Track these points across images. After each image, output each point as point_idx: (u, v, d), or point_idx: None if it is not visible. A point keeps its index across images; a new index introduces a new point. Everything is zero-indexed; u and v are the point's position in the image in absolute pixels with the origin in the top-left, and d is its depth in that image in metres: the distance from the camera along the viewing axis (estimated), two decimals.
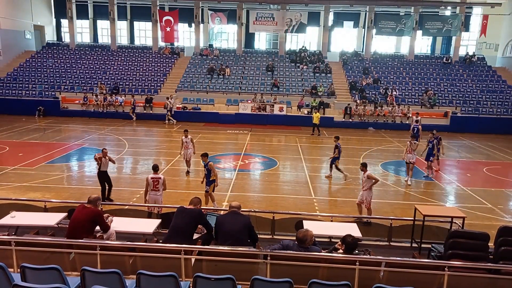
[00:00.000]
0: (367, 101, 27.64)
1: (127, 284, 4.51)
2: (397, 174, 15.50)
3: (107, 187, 11.41)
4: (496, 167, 17.30)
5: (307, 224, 7.11)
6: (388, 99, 27.80)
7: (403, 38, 34.87)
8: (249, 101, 27.26)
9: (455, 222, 7.41)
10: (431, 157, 14.97)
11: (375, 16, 32.48)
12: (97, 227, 6.28)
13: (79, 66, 31.09)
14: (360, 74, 30.89)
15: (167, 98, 26.35)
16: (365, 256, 5.55)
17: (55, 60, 31.76)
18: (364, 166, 10.53)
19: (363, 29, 35.18)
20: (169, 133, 23.37)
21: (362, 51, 34.71)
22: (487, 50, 33.85)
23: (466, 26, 33.61)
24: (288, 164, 16.97)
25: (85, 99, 27.13)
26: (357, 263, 5.07)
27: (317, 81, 29.78)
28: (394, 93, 28.24)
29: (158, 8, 33.32)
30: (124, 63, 31.82)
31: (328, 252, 5.58)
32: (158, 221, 7.33)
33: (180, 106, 27.18)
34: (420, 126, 19.54)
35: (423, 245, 7.04)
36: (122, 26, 36.94)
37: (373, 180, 10.25)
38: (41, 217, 7.31)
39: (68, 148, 18.01)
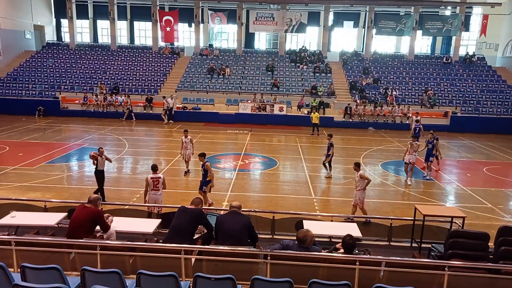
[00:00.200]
0: (367, 101, 27.64)
1: (127, 284, 4.52)
2: (397, 174, 15.50)
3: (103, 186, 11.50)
4: (496, 167, 17.30)
5: (307, 224, 7.11)
6: (388, 99, 27.81)
7: (403, 38, 34.87)
8: (249, 101, 27.26)
9: (455, 222, 7.41)
10: (431, 158, 14.92)
11: (375, 16, 32.48)
12: (97, 227, 6.28)
13: (79, 66, 31.09)
14: (360, 74, 30.89)
15: (164, 98, 26.40)
16: (365, 256, 5.55)
17: (55, 60, 31.77)
18: (357, 166, 10.55)
19: (363, 29, 35.18)
20: (169, 133, 23.38)
21: (362, 51, 34.71)
22: (487, 50, 33.85)
23: (466, 26, 33.59)
24: (288, 164, 16.97)
25: (85, 99, 27.13)
26: (357, 263, 5.07)
27: (317, 81, 29.78)
28: (394, 93, 28.24)
29: (158, 8, 33.32)
30: (124, 63, 31.82)
31: (329, 252, 5.59)
32: (158, 221, 7.33)
33: (180, 106, 27.18)
34: (421, 126, 19.55)
35: (423, 245, 7.04)
36: (122, 26, 36.94)
37: (366, 180, 10.25)
38: (41, 217, 7.31)
39: (68, 148, 18.01)
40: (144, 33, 37.65)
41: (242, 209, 6.39)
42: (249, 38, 36.21)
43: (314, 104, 27.03)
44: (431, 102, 27.53)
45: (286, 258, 5.18)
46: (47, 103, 27.08)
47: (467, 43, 35.74)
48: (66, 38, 36.45)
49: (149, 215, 8.65)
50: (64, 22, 36.13)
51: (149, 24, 35.15)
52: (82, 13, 35.59)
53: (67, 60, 31.73)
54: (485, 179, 15.65)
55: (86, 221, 6.05)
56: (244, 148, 19.28)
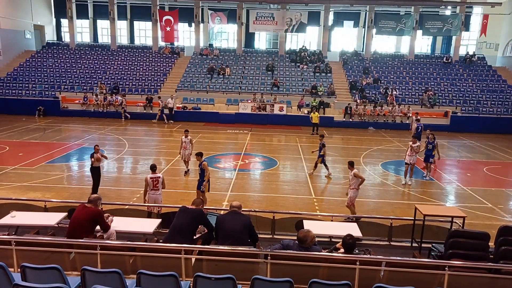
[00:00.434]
0: (367, 100, 27.64)
1: (127, 284, 4.51)
2: (397, 174, 15.48)
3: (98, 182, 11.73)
4: (496, 166, 17.30)
5: (307, 224, 7.10)
6: (388, 98, 27.80)
7: (403, 38, 34.87)
8: (249, 101, 27.25)
9: (456, 222, 7.40)
10: (431, 159, 14.87)
11: (375, 15, 32.47)
12: (98, 227, 6.28)
13: (79, 66, 31.09)
14: (360, 73, 30.89)
15: (159, 98, 26.44)
16: (365, 256, 5.55)
17: (55, 60, 31.76)
18: (350, 165, 10.58)
19: (363, 29, 35.17)
20: (169, 132, 23.38)
21: (362, 51, 34.70)
22: (487, 50, 33.85)
23: (466, 26, 33.59)
24: (288, 163, 16.97)
25: (85, 99, 27.12)
26: (357, 263, 5.07)
27: (317, 81, 29.78)
28: (394, 92, 28.24)
29: (158, 7, 33.31)
30: (124, 63, 31.82)
31: (329, 252, 5.59)
32: (158, 220, 7.32)
33: (180, 105, 27.18)
34: (422, 125, 19.55)
35: (423, 245, 7.04)
36: (122, 25, 36.93)
37: (360, 179, 10.27)
38: (41, 216, 7.30)
39: (68, 148, 18.01)
40: (144, 33, 37.65)
41: (242, 209, 6.39)
42: (249, 38, 36.20)
43: (314, 104, 27.03)
44: (431, 102, 27.53)
45: (287, 258, 5.18)
46: (47, 103, 27.08)
47: (467, 43, 35.74)
48: (66, 38, 36.45)
49: (149, 215, 8.65)
50: (64, 22, 36.13)
51: (149, 24, 35.15)
52: (82, 13, 35.58)
53: (67, 60, 31.73)
54: (485, 179, 15.65)
55: (86, 221, 6.05)
56: (244, 148, 19.28)
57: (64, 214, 7.23)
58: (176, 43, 35.00)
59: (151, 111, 26.83)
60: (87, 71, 30.47)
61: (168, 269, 4.59)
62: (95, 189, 11.48)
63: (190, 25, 34.43)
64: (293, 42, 37.23)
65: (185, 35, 36.36)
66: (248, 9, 33.00)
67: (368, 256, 5.65)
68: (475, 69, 31.54)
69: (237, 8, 32.87)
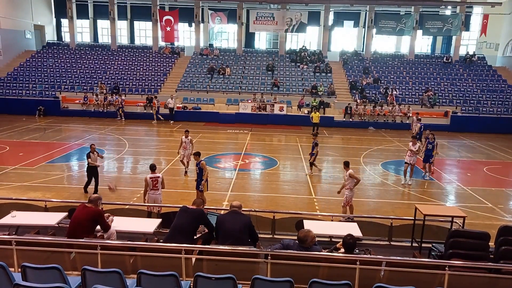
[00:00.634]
0: (367, 100, 27.63)
1: (127, 284, 4.52)
2: (397, 174, 15.48)
3: (94, 182, 12.02)
4: (496, 166, 17.30)
5: (307, 224, 7.10)
6: (388, 98, 27.80)
7: (403, 38, 34.85)
8: (249, 101, 27.25)
9: (456, 222, 7.40)
10: (430, 159, 14.85)
11: (375, 15, 32.47)
12: (98, 227, 6.28)
13: (79, 66, 31.09)
14: (360, 73, 30.88)
15: (155, 97, 26.42)
16: (365, 256, 5.55)
17: (55, 60, 31.76)
18: (346, 165, 10.56)
19: (363, 29, 35.16)
20: (169, 132, 23.38)
21: (362, 51, 34.69)
22: (488, 50, 33.84)
23: (466, 26, 33.58)
24: (288, 163, 16.98)
25: (85, 99, 27.12)
26: (357, 263, 5.07)
27: (317, 81, 29.77)
28: (394, 92, 28.23)
29: (158, 7, 33.30)
30: (124, 62, 31.82)
31: (329, 251, 5.59)
32: (158, 220, 7.33)
33: (180, 105, 27.18)
34: (422, 125, 19.54)
35: (423, 245, 7.04)
36: (122, 25, 36.93)
37: (355, 180, 10.27)
38: (42, 216, 7.30)
39: (68, 148, 18.01)
40: (144, 32, 37.65)
41: (243, 209, 6.39)
42: (249, 37, 36.20)
43: (314, 103, 27.02)
44: (431, 102, 27.52)
45: (287, 258, 5.18)
46: (47, 103, 27.08)
47: (467, 43, 35.73)
48: (66, 38, 36.45)
49: (149, 214, 8.66)
50: (64, 22, 36.12)
51: (149, 24, 35.14)
52: (82, 13, 35.58)
53: (67, 60, 31.73)
54: (486, 179, 15.65)
55: (87, 221, 6.05)
56: (244, 147, 19.28)
57: (65, 214, 7.23)
58: (176, 43, 35.00)
59: (151, 111, 26.81)
60: (87, 71, 30.47)
61: (169, 269, 4.60)
62: (87, 187, 11.93)
63: (190, 25, 34.44)
64: (293, 42, 37.23)
65: (185, 35, 36.36)
66: (248, 9, 33.00)
67: (368, 256, 5.65)
68: (475, 69, 31.53)
69: (237, 8, 32.87)
